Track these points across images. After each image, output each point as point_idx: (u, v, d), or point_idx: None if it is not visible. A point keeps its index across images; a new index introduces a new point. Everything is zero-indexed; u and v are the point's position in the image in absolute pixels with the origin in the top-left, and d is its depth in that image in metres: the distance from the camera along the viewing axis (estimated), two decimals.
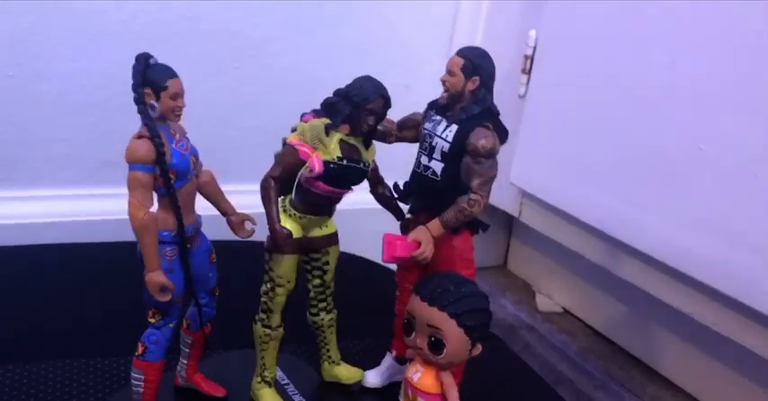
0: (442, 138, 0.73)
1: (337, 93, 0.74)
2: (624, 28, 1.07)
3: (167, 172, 0.66)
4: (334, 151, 0.73)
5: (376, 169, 0.80)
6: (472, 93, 0.73)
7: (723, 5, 0.92)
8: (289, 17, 1.22)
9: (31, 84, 1.09)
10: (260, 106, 1.24)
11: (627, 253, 1.09)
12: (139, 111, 0.65)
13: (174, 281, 0.68)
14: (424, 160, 0.76)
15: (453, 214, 0.73)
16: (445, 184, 0.74)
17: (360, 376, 0.87)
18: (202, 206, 0.74)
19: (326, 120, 0.73)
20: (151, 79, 0.65)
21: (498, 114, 0.74)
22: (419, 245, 0.73)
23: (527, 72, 1.25)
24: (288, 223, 0.75)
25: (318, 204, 0.76)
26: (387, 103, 0.74)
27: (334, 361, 0.87)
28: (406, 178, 0.80)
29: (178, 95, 0.66)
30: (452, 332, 0.64)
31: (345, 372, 0.87)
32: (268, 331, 0.79)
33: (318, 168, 0.72)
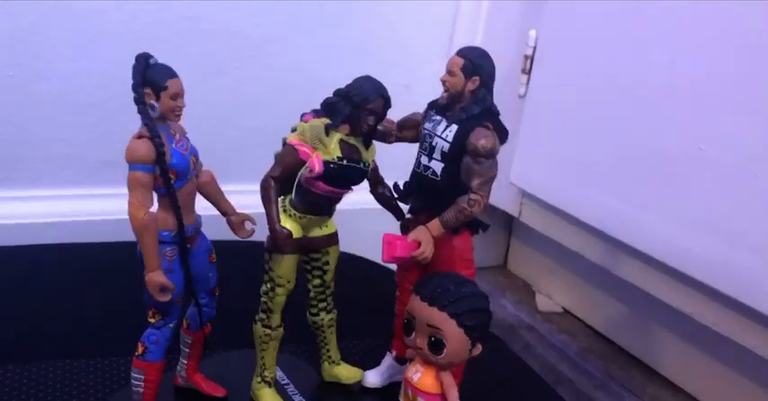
0: (442, 138, 0.73)
1: (337, 93, 0.74)
2: (624, 28, 1.07)
3: (167, 172, 0.66)
4: (335, 151, 0.73)
5: (376, 169, 0.80)
6: (472, 93, 0.73)
7: (723, 5, 0.92)
8: (289, 17, 1.22)
9: (31, 84, 1.09)
10: (260, 106, 1.24)
11: (627, 253, 1.09)
12: (139, 111, 0.65)
13: (173, 281, 0.68)
14: (424, 160, 0.76)
15: (453, 214, 0.73)
16: (445, 184, 0.74)
17: (360, 376, 0.87)
18: (202, 206, 0.74)
19: (326, 120, 0.73)
20: (151, 79, 0.65)
21: (498, 114, 0.74)
22: (419, 245, 0.73)
23: (527, 72, 1.25)
24: (288, 223, 0.75)
25: (318, 204, 0.76)
26: (387, 103, 0.74)
27: (334, 361, 0.87)
28: (406, 178, 0.80)
29: (178, 95, 0.66)
30: (452, 332, 0.64)
31: (345, 372, 0.87)
32: (268, 331, 0.79)
33: (318, 168, 0.72)
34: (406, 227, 0.80)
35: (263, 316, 0.79)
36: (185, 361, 0.81)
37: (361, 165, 0.75)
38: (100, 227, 1.14)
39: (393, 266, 0.82)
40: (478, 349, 0.66)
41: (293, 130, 0.76)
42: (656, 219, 1.02)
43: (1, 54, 1.06)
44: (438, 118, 0.75)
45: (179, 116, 0.68)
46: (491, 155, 0.72)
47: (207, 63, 1.18)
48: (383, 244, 0.73)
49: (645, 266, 1.07)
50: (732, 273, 0.92)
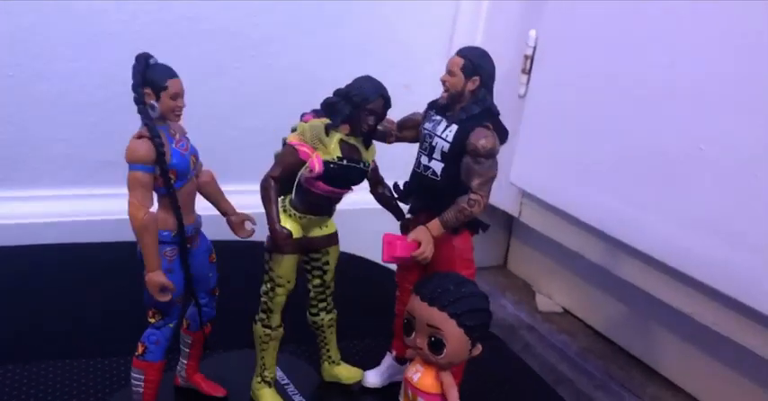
0: (442, 138, 0.73)
1: (337, 93, 0.74)
2: (624, 28, 1.07)
3: (167, 172, 0.66)
4: (334, 151, 0.73)
5: (376, 169, 0.80)
6: (472, 93, 0.72)
7: (723, 5, 0.92)
8: (288, 17, 1.22)
9: (31, 83, 1.09)
10: (260, 106, 1.24)
11: (627, 253, 1.09)
12: (139, 111, 0.65)
13: (173, 281, 0.68)
14: (424, 160, 0.76)
15: (453, 214, 0.73)
16: (445, 184, 0.74)
17: (360, 376, 0.87)
18: (202, 206, 0.74)
19: (326, 121, 0.73)
20: (151, 79, 0.65)
21: (498, 114, 0.74)
22: (419, 245, 0.73)
23: (527, 72, 1.25)
24: (288, 223, 0.75)
25: (318, 204, 0.76)
26: (387, 103, 0.74)
27: (334, 361, 0.87)
28: (406, 178, 0.80)
29: (178, 95, 0.66)
30: (452, 332, 0.64)
31: (345, 372, 0.87)
32: (268, 331, 0.79)
33: (318, 168, 0.72)
34: (405, 227, 0.80)
35: (263, 315, 0.79)
36: (185, 361, 0.81)
37: (361, 165, 0.75)
38: (99, 227, 1.14)
39: (393, 266, 0.82)
40: (478, 349, 0.66)
41: (293, 130, 0.76)
42: (656, 219, 1.02)
43: (1, 54, 1.06)
44: (438, 118, 0.75)
45: (179, 116, 0.68)
46: (491, 155, 0.72)
47: (207, 63, 1.18)
48: (383, 244, 0.73)
49: (645, 266, 1.07)
50: (732, 273, 0.92)
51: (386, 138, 0.81)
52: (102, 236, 1.13)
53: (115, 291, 0.97)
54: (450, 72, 0.72)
